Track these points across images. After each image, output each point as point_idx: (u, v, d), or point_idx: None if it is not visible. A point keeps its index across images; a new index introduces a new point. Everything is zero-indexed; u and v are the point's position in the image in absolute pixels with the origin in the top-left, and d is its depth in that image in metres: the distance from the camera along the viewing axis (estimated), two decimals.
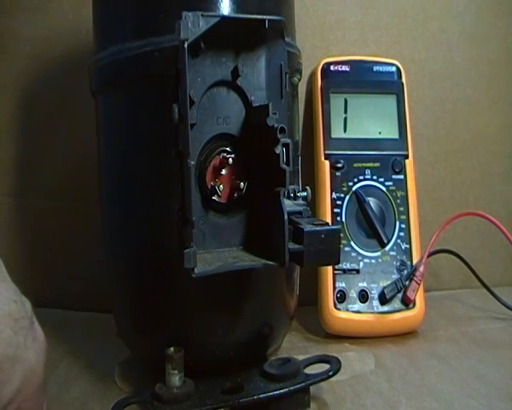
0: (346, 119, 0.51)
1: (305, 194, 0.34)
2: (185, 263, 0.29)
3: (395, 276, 0.47)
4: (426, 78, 0.59)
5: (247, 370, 0.35)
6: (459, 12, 0.59)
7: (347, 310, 0.46)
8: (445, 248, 0.52)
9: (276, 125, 0.30)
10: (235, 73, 0.32)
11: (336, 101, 0.51)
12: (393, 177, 0.50)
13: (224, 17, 0.31)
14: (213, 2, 0.33)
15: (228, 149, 0.33)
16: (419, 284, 0.46)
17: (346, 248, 0.47)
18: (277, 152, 0.30)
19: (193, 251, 0.29)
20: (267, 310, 0.38)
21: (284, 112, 0.32)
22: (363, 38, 0.57)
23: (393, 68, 0.53)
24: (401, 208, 0.49)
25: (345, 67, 0.52)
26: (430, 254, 0.49)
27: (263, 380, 0.34)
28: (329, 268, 0.47)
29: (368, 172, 0.49)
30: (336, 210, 0.48)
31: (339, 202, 0.48)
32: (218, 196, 0.32)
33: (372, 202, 0.48)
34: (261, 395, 0.32)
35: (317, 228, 0.30)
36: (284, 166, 0.30)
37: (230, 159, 0.32)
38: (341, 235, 0.46)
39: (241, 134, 0.33)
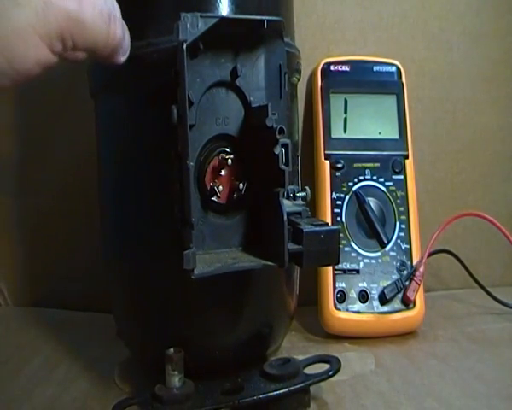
0: (346, 119, 0.51)
1: (305, 194, 0.33)
2: (185, 264, 0.28)
3: (395, 276, 0.47)
4: (426, 78, 0.59)
5: (247, 370, 0.35)
6: (459, 12, 0.59)
7: (347, 310, 0.46)
8: (445, 249, 0.52)
9: (275, 126, 0.30)
10: (234, 74, 0.32)
11: (336, 101, 0.51)
12: (393, 177, 0.49)
13: (222, 18, 0.31)
14: (212, 2, 0.33)
15: (227, 149, 0.33)
16: (419, 285, 0.46)
17: (346, 249, 0.47)
18: (276, 152, 0.30)
19: (192, 252, 0.29)
20: (267, 310, 0.38)
21: (283, 112, 0.32)
22: (363, 38, 0.57)
23: (393, 68, 0.53)
24: (401, 208, 0.49)
25: (345, 67, 0.52)
26: (430, 255, 0.49)
27: (263, 380, 0.34)
28: (329, 268, 0.47)
29: (368, 172, 0.49)
30: (336, 210, 0.48)
31: (339, 202, 0.48)
32: (218, 196, 0.32)
33: (372, 202, 0.48)
34: (261, 396, 0.32)
35: (317, 228, 0.30)
36: (283, 166, 0.30)
37: (230, 159, 0.32)
38: (341, 235, 0.46)
39: (241, 135, 0.33)
